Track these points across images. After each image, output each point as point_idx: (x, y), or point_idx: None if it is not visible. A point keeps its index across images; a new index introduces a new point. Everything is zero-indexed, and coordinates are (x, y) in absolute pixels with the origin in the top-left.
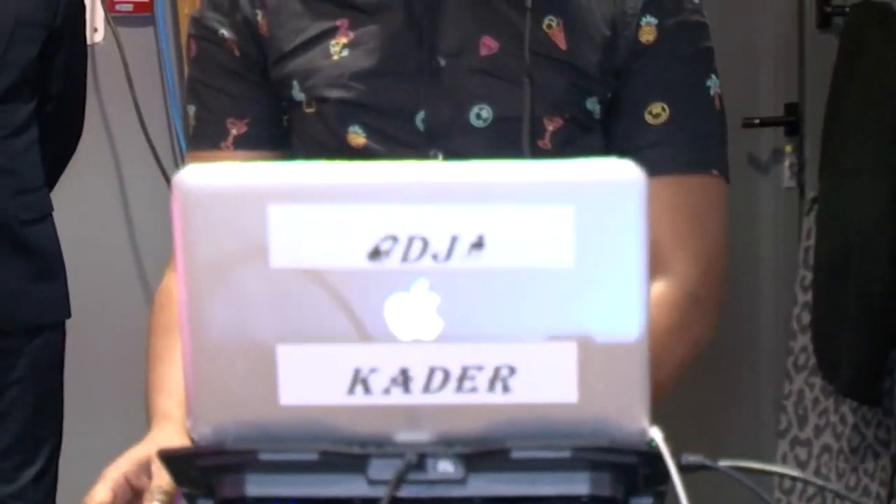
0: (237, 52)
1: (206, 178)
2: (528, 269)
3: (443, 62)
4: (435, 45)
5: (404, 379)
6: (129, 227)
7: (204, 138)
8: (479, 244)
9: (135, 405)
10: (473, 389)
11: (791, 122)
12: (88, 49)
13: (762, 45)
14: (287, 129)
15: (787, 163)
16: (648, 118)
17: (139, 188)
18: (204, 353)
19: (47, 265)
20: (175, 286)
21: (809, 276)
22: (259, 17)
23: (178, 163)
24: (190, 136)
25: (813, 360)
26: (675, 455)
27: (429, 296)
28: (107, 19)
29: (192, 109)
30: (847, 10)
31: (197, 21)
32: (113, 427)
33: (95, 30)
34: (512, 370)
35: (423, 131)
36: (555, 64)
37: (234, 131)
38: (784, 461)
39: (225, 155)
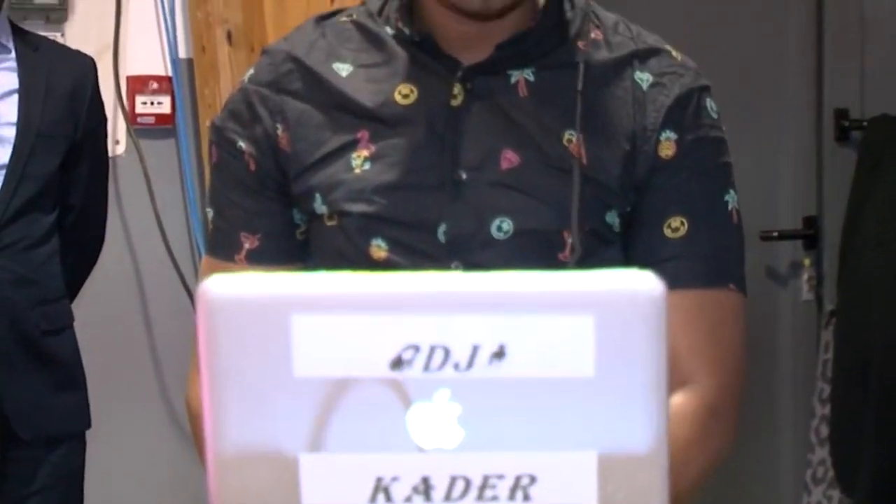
0: (253, 166)
1: (230, 287)
2: (549, 378)
3: (464, 175)
4: (457, 158)
5: (426, 487)
6: (150, 337)
7: (219, 248)
8: (500, 353)
9: None
10: (494, 498)
11: (809, 236)
12: (110, 161)
13: (781, 159)
14: (301, 243)
15: (805, 276)
16: (667, 232)
17: (160, 299)
18: (227, 461)
19: (68, 376)
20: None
21: (827, 389)
22: (279, 131)
23: (198, 274)
24: (208, 240)
25: (831, 473)
26: None
27: (450, 405)
28: (128, 131)
29: (210, 213)
30: (865, 124)
31: (218, 129)
32: None
33: (117, 142)
34: (532, 479)
35: (444, 244)
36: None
37: (246, 245)
38: None
39: (238, 268)
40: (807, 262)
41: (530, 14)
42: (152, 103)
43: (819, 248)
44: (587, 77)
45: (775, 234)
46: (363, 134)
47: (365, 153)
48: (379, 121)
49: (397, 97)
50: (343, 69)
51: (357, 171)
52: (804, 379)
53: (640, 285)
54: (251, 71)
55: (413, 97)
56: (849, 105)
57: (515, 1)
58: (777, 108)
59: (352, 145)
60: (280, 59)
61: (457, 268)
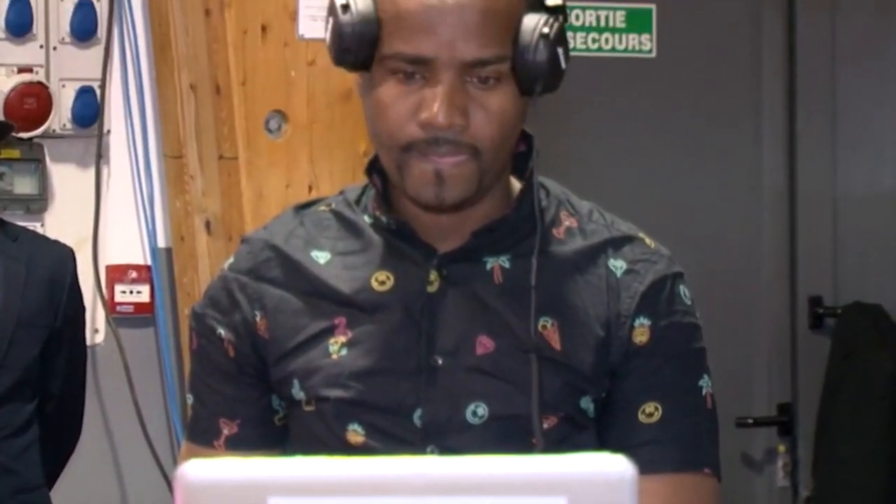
0: (232, 353)
1: (208, 471)
2: None
3: (440, 361)
4: (433, 343)
5: None
6: None
7: (198, 434)
8: None
9: None
10: None
11: (784, 422)
12: (89, 349)
13: (755, 346)
14: (280, 429)
15: (780, 462)
16: (642, 417)
17: (138, 488)
18: None
19: None
20: None
21: None
22: (258, 318)
23: (177, 461)
24: (187, 426)
25: None
26: None
27: None
28: (108, 320)
29: (190, 399)
30: (839, 311)
31: (198, 316)
32: None
33: (96, 331)
34: None
35: (420, 428)
36: (550, 364)
37: (225, 431)
38: None
39: (217, 453)
40: (782, 448)
41: (504, 201)
42: (131, 292)
43: (794, 435)
44: (561, 265)
45: (750, 420)
46: (340, 320)
47: (342, 339)
48: (356, 307)
49: (374, 284)
50: (321, 257)
51: (334, 356)
52: None
53: (612, 468)
54: (231, 259)
55: (390, 284)
56: (822, 292)
57: (470, 195)
58: (751, 294)
59: (329, 331)
60: (259, 247)
61: (432, 452)
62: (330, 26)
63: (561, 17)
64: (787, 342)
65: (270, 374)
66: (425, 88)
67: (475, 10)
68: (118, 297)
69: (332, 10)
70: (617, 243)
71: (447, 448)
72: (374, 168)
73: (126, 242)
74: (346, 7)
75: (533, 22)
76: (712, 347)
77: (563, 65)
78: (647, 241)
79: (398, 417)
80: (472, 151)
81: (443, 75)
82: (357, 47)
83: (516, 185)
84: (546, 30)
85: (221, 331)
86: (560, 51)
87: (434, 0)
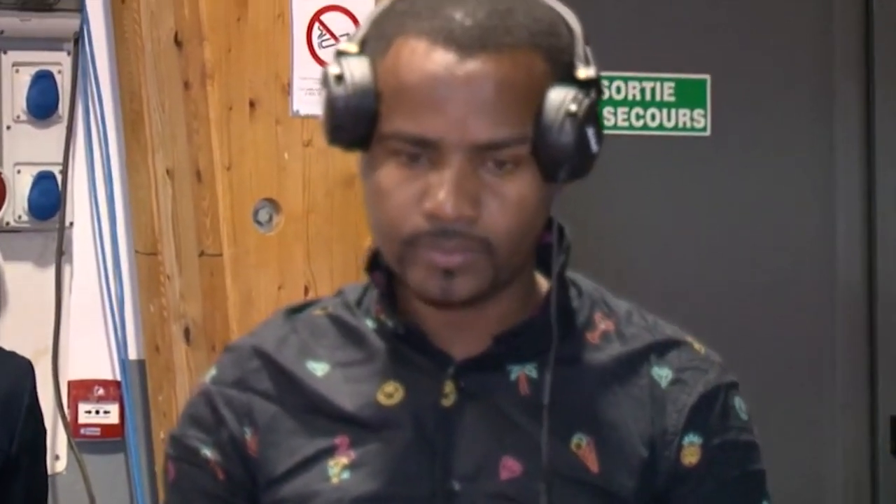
0: (221, 476)
1: None
2: None
3: (458, 486)
4: (449, 466)
5: None
6: None
7: None
8: None
9: None
10: None
11: None
12: (49, 479)
13: (829, 469)
14: None
15: None
16: None
17: None
18: None
19: None
20: None
21: None
22: (248, 436)
23: None
24: None
25: None
26: None
27: None
28: (70, 445)
29: None
30: None
31: (176, 440)
32: None
33: (57, 457)
34: None
35: None
36: (585, 489)
37: None
38: None
39: None
40: None
41: (528, 299)
42: (98, 412)
43: None
44: (597, 374)
45: None
46: (342, 440)
47: (344, 461)
48: (360, 425)
49: (380, 398)
50: (318, 369)
51: (334, 480)
52: None
53: None
54: (213, 371)
55: (398, 397)
56: None
57: (483, 291)
58: (825, 413)
59: (328, 452)
60: (246, 354)
61: None
62: (323, 99)
63: (594, 92)
64: (866, 467)
65: (260, 500)
66: (431, 173)
67: (489, 84)
68: (82, 419)
69: (325, 80)
70: (661, 349)
71: None
72: (376, 264)
73: (91, 354)
74: (339, 78)
75: (559, 97)
76: (775, 469)
77: (595, 148)
78: (696, 345)
79: None
80: (484, 246)
81: (451, 158)
82: (352, 124)
83: (543, 282)
84: (574, 107)
85: (207, 452)
86: (591, 131)
87: (441, 71)
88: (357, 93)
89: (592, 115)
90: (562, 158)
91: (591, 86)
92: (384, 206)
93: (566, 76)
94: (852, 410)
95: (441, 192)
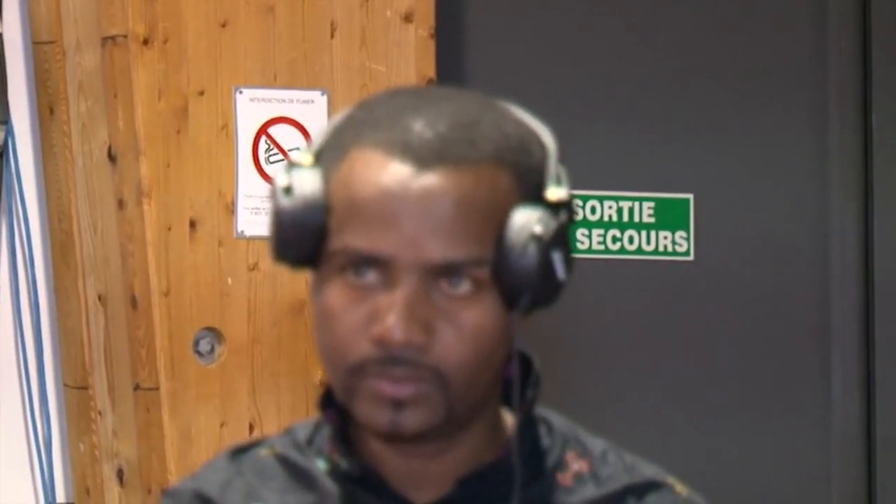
0: None
1: None
2: None
3: None
4: None
5: None
6: None
7: None
8: None
9: None
10: None
11: None
12: None
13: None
14: None
15: None
16: None
17: None
18: None
19: None
20: None
21: None
22: None
23: None
24: None
25: None
26: None
27: None
28: None
29: None
30: None
31: None
32: None
33: None
34: None
35: None
36: None
37: None
38: None
39: None
40: None
41: (493, 439)
42: None
43: None
44: None
45: None
46: None
47: None
48: None
49: None
50: None
51: None
52: None
53: None
54: None
55: None
56: None
57: (435, 425)
58: (821, 412)
59: None
60: (186, 500)
61: None
62: (270, 213)
63: (564, 214)
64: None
65: None
66: (381, 295)
67: (446, 200)
68: None
69: (272, 193)
70: (639, 491)
71: None
72: (329, 400)
73: (16, 497)
74: (288, 189)
75: (523, 218)
76: (770, 474)
77: (562, 274)
78: (678, 487)
79: None
80: (435, 377)
81: (403, 279)
82: (299, 240)
83: (510, 419)
84: (539, 228)
85: None
86: (557, 256)
87: (394, 185)
88: (306, 206)
89: (560, 239)
90: (524, 285)
91: (561, 207)
92: (331, 331)
93: (535, 196)
94: (849, 410)
95: (391, 315)
